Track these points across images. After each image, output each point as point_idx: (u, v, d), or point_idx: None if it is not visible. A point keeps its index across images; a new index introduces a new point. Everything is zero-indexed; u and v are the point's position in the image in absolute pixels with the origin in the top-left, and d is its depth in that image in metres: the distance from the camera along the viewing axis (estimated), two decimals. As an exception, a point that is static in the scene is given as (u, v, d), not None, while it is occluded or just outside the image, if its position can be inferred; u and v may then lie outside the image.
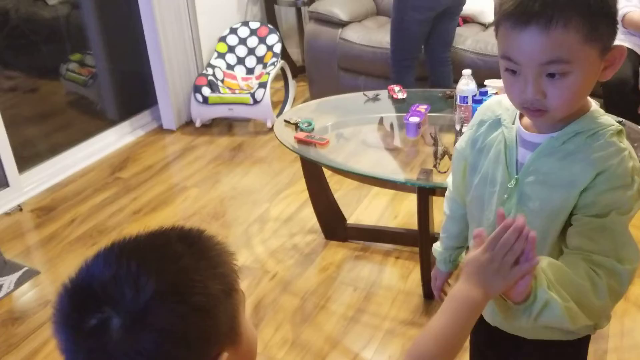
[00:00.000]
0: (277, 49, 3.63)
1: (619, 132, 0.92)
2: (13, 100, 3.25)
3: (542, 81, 0.85)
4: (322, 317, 2.01)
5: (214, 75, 3.53)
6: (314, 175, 2.31)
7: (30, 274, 2.29)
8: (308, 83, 3.71)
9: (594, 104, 0.95)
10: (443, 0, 2.86)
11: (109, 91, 3.62)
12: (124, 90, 3.64)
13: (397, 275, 2.19)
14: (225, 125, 3.54)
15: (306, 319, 2.01)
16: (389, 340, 1.91)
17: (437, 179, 1.83)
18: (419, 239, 1.99)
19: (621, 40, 2.77)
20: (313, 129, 2.18)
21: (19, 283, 2.25)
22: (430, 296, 2.04)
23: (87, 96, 3.70)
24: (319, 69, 3.57)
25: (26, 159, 2.95)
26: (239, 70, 3.67)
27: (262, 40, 3.68)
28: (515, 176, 0.97)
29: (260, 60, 3.66)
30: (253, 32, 3.70)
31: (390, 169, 1.98)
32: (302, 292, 2.13)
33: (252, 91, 3.38)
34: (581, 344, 1.09)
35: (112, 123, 3.45)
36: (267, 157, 3.15)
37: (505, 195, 0.98)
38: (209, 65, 3.59)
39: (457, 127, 2.01)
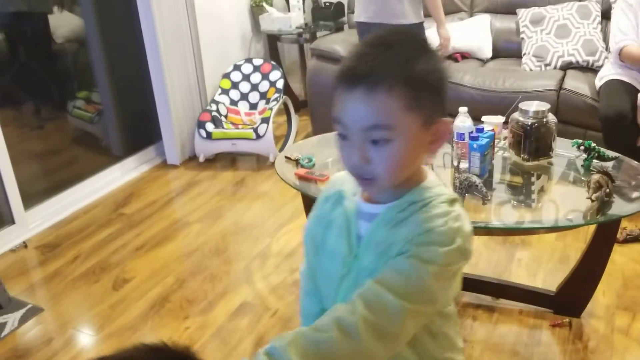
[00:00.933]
0: (280, 84, 3.70)
1: (452, 200, 0.91)
2: (20, 137, 3.31)
3: (367, 147, 0.86)
4: (323, 354, 2.01)
5: (217, 111, 3.59)
6: (315, 211, 2.33)
7: (34, 311, 2.31)
8: (310, 117, 3.76)
9: (431, 175, 0.96)
10: (365, 30, 2.99)
11: (114, 127, 3.68)
12: (129, 126, 3.71)
13: (398, 311, 2.19)
14: (228, 160, 3.59)
15: (307, 356, 2.01)
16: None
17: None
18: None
19: (618, 74, 2.81)
20: (314, 165, 2.21)
21: (23, 320, 2.26)
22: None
23: (93, 132, 3.77)
24: (321, 103, 3.63)
25: (32, 195, 3.00)
26: (243, 106, 3.74)
27: (265, 76, 3.75)
28: (354, 251, 0.94)
29: (263, 95, 3.73)
30: (256, 69, 3.77)
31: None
32: (303, 329, 2.13)
33: (255, 126, 3.43)
34: None
35: (117, 159, 3.51)
36: (269, 191, 3.18)
37: (345, 270, 0.95)
38: (213, 101, 3.65)
39: (455, 164, 2.04)
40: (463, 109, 2.10)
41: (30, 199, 2.96)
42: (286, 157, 2.27)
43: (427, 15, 2.99)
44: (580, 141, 2.03)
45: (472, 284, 2.26)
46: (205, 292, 2.37)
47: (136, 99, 3.68)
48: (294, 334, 0.82)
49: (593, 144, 2.02)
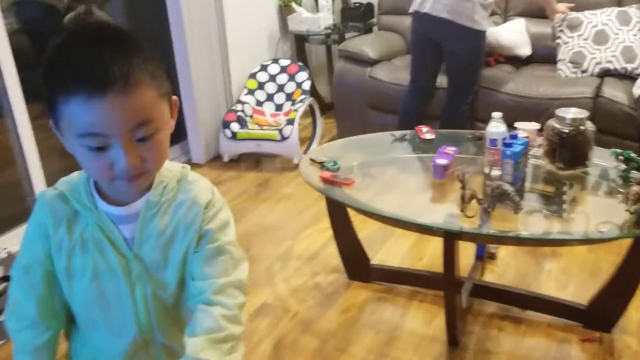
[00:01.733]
0: (307, 86, 3.66)
1: (187, 168, 1.02)
2: (49, 131, 3.33)
3: (136, 146, 0.85)
4: (343, 361, 1.96)
5: (243, 111, 3.57)
6: (339, 215, 2.29)
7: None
8: (336, 120, 3.71)
9: None
10: (423, 26, 2.94)
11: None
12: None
13: (421, 320, 2.13)
14: (252, 161, 3.56)
15: (326, 363, 1.96)
16: (411, 389, 1.85)
17: (463, 224, 1.79)
18: (443, 284, 1.94)
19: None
20: (339, 168, 2.16)
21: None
22: (454, 343, 1.97)
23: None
24: (348, 106, 3.59)
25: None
26: (268, 107, 3.71)
27: (291, 77, 3.72)
28: (129, 254, 0.96)
29: (289, 97, 3.70)
30: (283, 69, 3.75)
31: (416, 211, 1.95)
32: (323, 334, 2.09)
33: (280, 127, 3.40)
34: None
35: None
36: (292, 193, 3.15)
37: (133, 277, 0.96)
38: (239, 101, 3.63)
39: (486, 170, 1.97)
40: (497, 114, 2.03)
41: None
42: (311, 159, 2.23)
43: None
44: (619, 151, 1.95)
45: (498, 294, 2.19)
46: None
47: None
48: (199, 345, 0.89)
49: (633, 154, 1.94)
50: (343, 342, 2.05)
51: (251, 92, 3.71)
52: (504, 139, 1.94)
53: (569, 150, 1.95)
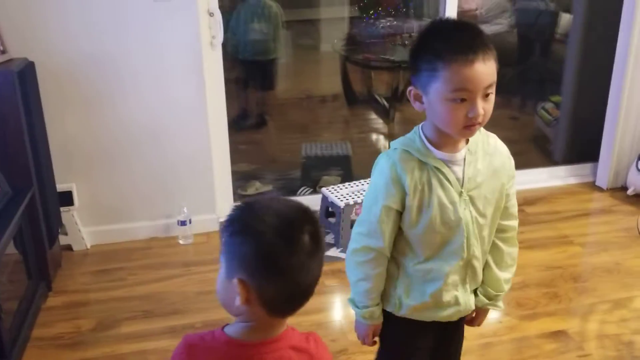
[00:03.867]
0: None
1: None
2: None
3: (482, 101, 1.15)
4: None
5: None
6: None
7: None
8: None
9: None
10: None
11: (563, 135, 3.79)
12: (575, 138, 3.74)
13: None
14: (663, 203, 3.22)
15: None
16: None
17: None
18: None
19: None
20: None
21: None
22: None
23: (547, 135, 3.98)
24: None
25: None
26: None
27: None
28: (461, 190, 1.25)
29: None
30: None
31: None
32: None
33: None
34: None
35: (552, 163, 3.66)
36: (680, 250, 2.77)
37: (464, 207, 1.25)
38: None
39: None
40: None
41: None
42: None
43: None
44: None
45: None
46: (536, 303, 2.42)
47: (590, 114, 3.61)
48: (498, 273, 1.38)
49: None
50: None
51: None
52: None
53: None
